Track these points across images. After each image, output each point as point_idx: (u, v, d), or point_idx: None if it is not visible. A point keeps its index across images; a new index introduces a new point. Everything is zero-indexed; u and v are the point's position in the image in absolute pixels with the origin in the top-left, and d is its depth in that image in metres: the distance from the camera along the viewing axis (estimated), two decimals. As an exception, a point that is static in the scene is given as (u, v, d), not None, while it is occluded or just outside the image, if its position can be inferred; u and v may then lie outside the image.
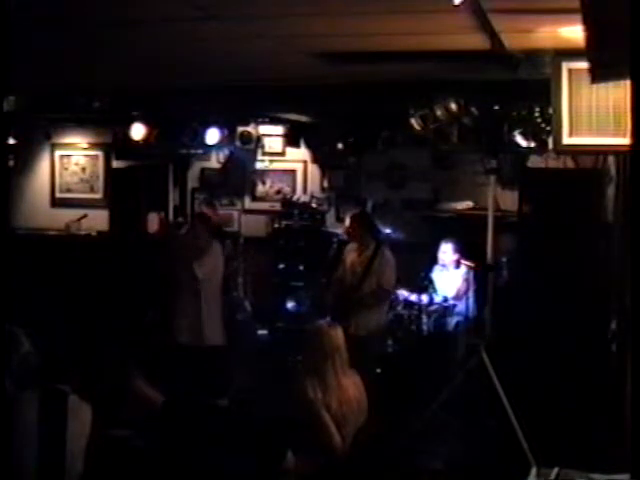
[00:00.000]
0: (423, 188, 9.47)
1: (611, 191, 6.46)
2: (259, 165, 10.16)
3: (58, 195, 10.93)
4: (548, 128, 5.98)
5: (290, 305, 9.46)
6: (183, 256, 7.09)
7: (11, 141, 9.64)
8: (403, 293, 7.94)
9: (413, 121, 7.00)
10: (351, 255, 7.39)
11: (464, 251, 8.02)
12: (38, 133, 10.35)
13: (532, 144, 6.78)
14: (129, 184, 10.52)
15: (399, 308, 7.94)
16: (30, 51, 4.95)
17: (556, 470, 3.40)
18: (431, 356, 7.66)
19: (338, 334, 4.66)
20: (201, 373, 6.41)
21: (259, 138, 9.69)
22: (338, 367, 4.55)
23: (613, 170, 6.33)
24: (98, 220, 10.48)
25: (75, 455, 3.52)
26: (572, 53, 4.12)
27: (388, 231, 8.15)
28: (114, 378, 4.18)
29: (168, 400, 4.12)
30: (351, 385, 4.60)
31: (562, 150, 4.59)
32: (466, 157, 8.51)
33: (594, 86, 4.04)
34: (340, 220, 9.74)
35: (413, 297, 7.92)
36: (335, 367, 4.53)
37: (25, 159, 10.73)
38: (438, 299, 8.01)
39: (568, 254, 7.05)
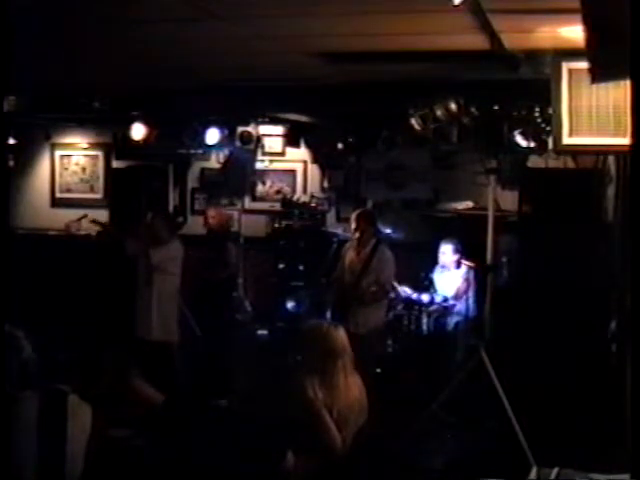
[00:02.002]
0: (423, 188, 9.47)
1: (611, 191, 6.46)
2: (259, 165, 10.15)
3: (58, 195, 10.94)
4: (548, 128, 5.98)
5: (290, 305, 9.45)
6: (142, 244, 7.26)
7: (11, 141, 9.65)
8: (406, 290, 7.93)
9: (413, 121, 7.00)
10: (350, 253, 7.40)
11: (464, 251, 8.02)
12: (38, 133, 10.36)
13: (532, 144, 6.77)
14: (129, 184, 10.52)
15: (399, 308, 7.95)
16: (30, 51, 4.95)
17: (556, 470, 3.40)
18: (431, 356, 7.66)
19: (344, 334, 4.65)
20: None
21: (259, 138, 9.67)
22: (347, 368, 4.53)
23: (613, 170, 6.33)
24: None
25: (75, 455, 3.52)
26: (572, 53, 4.12)
27: (388, 231, 8.15)
28: (114, 378, 4.18)
29: (168, 400, 4.12)
30: (352, 385, 4.59)
31: (562, 150, 4.59)
32: (466, 157, 8.50)
33: (594, 86, 4.04)
34: (340, 220, 9.76)
35: (414, 295, 7.93)
36: (345, 368, 4.51)
37: (25, 159, 10.74)
38: (438, 299, 8.01)
39: (568, 254, 7.04)
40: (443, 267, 8.22)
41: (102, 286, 9.11)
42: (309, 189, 10.14)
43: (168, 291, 7.31)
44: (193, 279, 7.99)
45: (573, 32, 4.00)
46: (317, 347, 4.57)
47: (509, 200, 8.38)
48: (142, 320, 7.23)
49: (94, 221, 8.78)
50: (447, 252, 8.10)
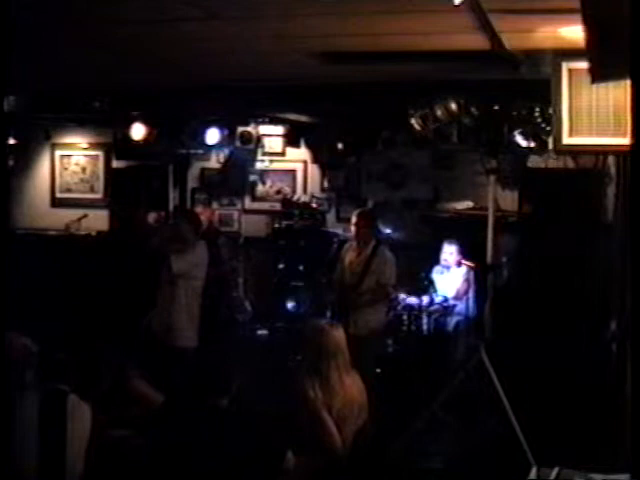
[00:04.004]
0: (423, 188, 9.47)
1: (611, 191, 6.46)
2: (259, 165, 10.16)
3: (58, 195, 10.94)
4: (548, 128, 5.98)
5: (290, 305, 9.46)
6: (163, 250, 6.99)
7: (11, 141, 9.65)
8: (404, 298, 7.93)
9: (413, 121, 6.99)
10: (350, 254, 7.38)
11: (464, 251, 8.03)
12: (38, 133, 10.36)
13: (532, 144, 6.77)
14: (129, 184, 10.53)
15: (399, 308, 7.95)
16: (30, 51, 4.95)
17: (556, 470, 3.40)
18: (431, 356, 7.66)
19: (341, 334, 4.66)
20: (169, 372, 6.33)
21: (259, 138, 9.69)
22: (341, 367, 4.54)
23: (613, 170, 6.33)
24: (98, 220, 10.49)
25: (75, 455, 3.53)
26: (572, 53, 4.12)
27: (388, 231, 8.15)
28: (114, 378, 4.18)
29: (168, 400, 4.12)
30: (352, 385, 4.59)
31: (562, 150, 4.58)
32: (466, 157, 8.51)
33: (594, 86, 4.03)
34: (340, 220, 9.77)
35: (413, 299, 7.93)
36: (339, 368, 4.52)
37: (25, 159, 10.74)
38: (438, 299, 8.01)
39: (568, 254, 7.05)
40: (443, 267, 8.22)
41: (104, 286, 9.11)
42: (309, 189, 10.14)
43: (191, 296, 7.02)
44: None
45: (573, 32, 4.00)
46: (313, 347, 4.59)
47: (509, 200, 8.38)
48: (162, 324, 6.94)
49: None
50: (454, 252, 8.09)
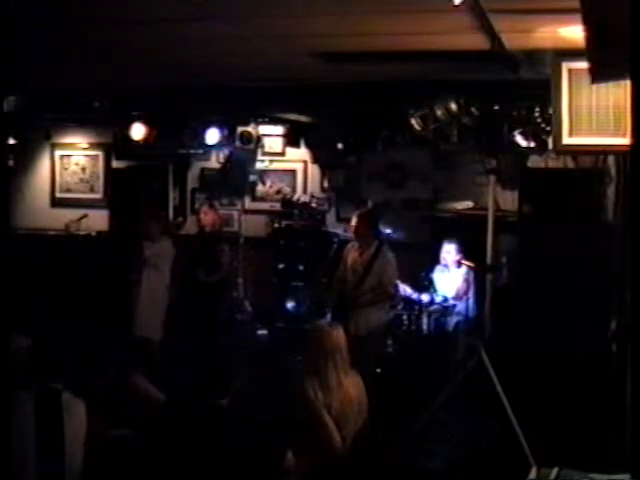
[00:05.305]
0: (423, 188, 9.47)
1: (611, 191, 6.46)
2: (259, 165, 10.15)
3: (58, 195, 10.95)
4: (548, 128, 5.98)
5: (290, 305, 9.45)
6: (136, 241, 7.58)
7: (11, 141, 9.64)
8: (406, 290, 7.93)
9: (413, 121, 7.00)
10: (352, 254, 7.39)
11: (464, 251, 8.02)
12: (38, 133, 10.36)
13: (532, 144, 6.77)
14: (129, 184, 10.53)
15: (399, 308, 7.95)
16: (30, 51, 4.95)
17: (556, 470, 3.39)
18: (431, 356, 7.66)
19: (339, 334, 4.66)
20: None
21: (259, 138, 9.67)
22: (339, 367, 4.54)
23: (613, 170, 6.33)
24: (98, 220, 10.49)
25: (73, 453, 3.52)
26: (572, 53, 4.12)
27: (388, 231, 8.15)
28: (115, 376, 4.18)
29: (169, 400, 4.13)
30: (351, 385, 4.59)
31: (562, 150, 4.58)
32: (466, 157, 8.50)
33: (594, 86, 4.04)
34: (340, 220, 9.76)
35: (414, 295, 7.93)
36: (336, 367, 4.53)
37: (25, 159, 10.74)
38: (438, 299, 8.01)
39: (568, 254, 7.04)
40: (443, 267, 8.21)
41: (103, 285, 9.11)
42: (309, 189, 10.14)
43: (156, 289, 7.49)
44: (185, 279, 8.03)
45: (573, 32, 4.00)
46: (312, 347, 4.60)
47: (509, 200, 8.37)
48: (130, 315, 7.44)
49: None
50: (451, 251, 8.09)
